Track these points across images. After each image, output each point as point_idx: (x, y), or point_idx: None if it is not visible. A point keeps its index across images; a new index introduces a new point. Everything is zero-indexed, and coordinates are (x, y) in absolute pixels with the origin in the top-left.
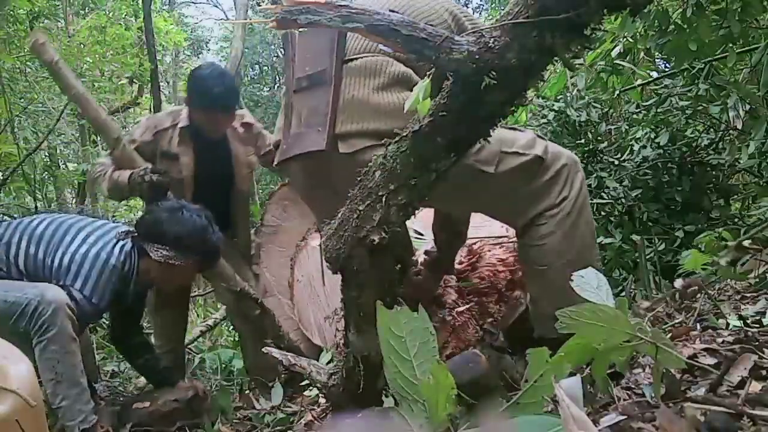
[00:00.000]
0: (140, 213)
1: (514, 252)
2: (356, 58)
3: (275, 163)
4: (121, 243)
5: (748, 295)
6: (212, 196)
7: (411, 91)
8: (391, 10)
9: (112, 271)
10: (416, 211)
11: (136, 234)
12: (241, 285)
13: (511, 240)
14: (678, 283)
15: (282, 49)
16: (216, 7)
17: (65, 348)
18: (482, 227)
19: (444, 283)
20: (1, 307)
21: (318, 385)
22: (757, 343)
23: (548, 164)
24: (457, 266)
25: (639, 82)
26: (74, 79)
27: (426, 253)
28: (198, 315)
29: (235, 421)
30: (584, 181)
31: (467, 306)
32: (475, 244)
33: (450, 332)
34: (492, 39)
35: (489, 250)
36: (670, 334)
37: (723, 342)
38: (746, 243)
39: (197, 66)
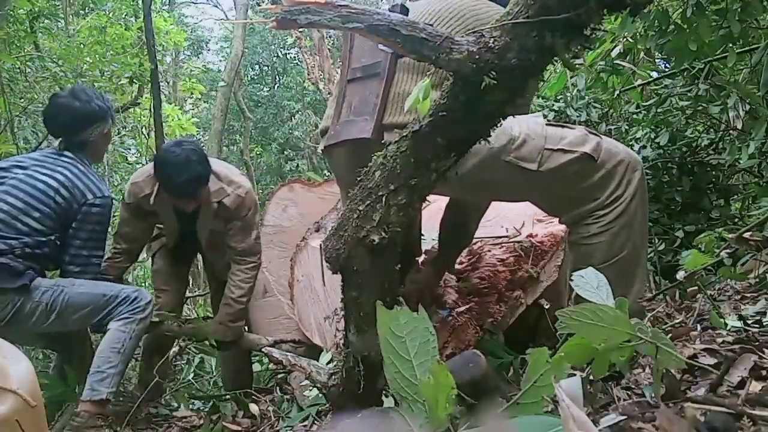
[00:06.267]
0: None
1: (514, 252)
2: None
3: (322, 147)
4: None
5: (748, 295)
6: (194, 245)
7: None
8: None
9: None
10: (417, 210)
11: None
12: (271, 340)
13: (511, 240)
14: (680, 275)
15: (282, 50)
16: (216, 7)
17: (140, 333)
18: (482, 227)
19: (444, 284)
20: (98, 301)
21: (318, 385)
22: (757, 343)
23: (601, 162)
24: (457, 266)
25: (639, 82)
26: None
27: (426, 252)
28: (198, 315)
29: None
30: (643, 180)
31: (467, 306)
32: (475, 244)
33: (450, 332)
34: (492, 39)
35: (489, 251)
36: (670, 334)
37: (723, 342)
38: (746, 235)
39: (166, 147)
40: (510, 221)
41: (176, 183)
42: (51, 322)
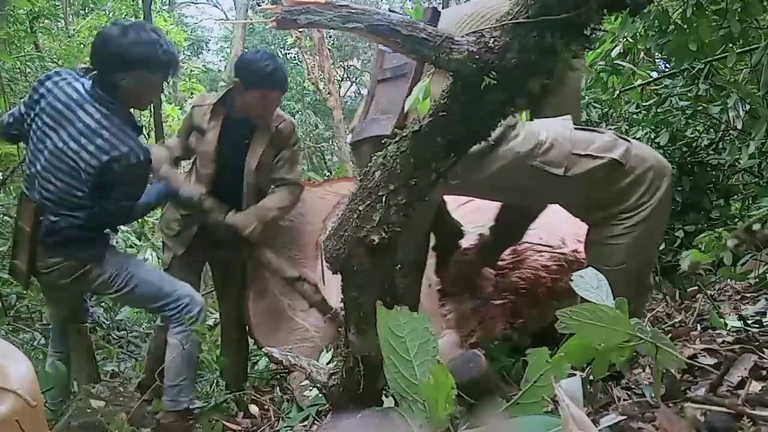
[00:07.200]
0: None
1: (559, 261)
2: None
3: (350, 143)
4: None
5: (748, 295)
6: (230, 176)
7: None
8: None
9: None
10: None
11: (96, 73)
12: (296, 273)
13: (554, 251)
14: (685, 264)
15: (282, 50)
16: (216, 7)
17: (198, 340)
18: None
19: (482, 276)
20: (153, 293)
21: (318, 385)
22: (757, 343)
23: (629, 168)
24: (499, 263)
25: (639, 82)
26: None
27: (481, 235)
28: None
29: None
30: (671, 188)
31: (502, 302)
32: (520, 245)
33: (479, 322)
34: (492, 39)
35: (532, 255)
36: (670, 334)
37: (723, 342)
38: (755, 227)
39: (243, 53)
40: (550, 233)
41: (274, 70)
42: (108, 293)
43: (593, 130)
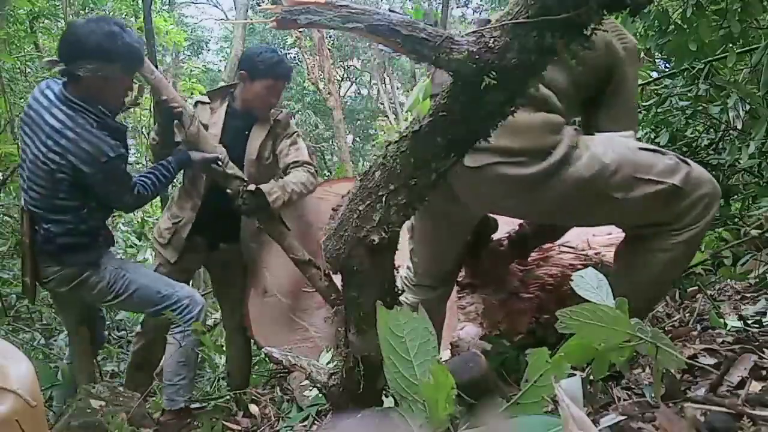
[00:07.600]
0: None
1: (584, 261)
2: None
3: None
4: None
5: (748, 295)
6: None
7: (543, 111)
8: None
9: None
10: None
11: (62, 63)
12: (307, 256)
13: (578, 252)
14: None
15: (282, 50)
16: (216, 7)
17: (198, 339)
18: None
19: (510, 271)
20: (153, 297)
21: (318, 385)
22: (757, 343)
23: (686, 193)
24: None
25: (639, 82)
26: None
27: (520, 226)
28: None
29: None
30: (716, 212)
31: (529, 296)
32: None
33: (505, 315)
34: (492, 39)
35: (557, 254)
36: (670, 334)
37: (723, 342)
38: None
39: (248, 49)
40: (574, 234)
41: (279, 61)
42: (107, 300)
43: (656, 151)
